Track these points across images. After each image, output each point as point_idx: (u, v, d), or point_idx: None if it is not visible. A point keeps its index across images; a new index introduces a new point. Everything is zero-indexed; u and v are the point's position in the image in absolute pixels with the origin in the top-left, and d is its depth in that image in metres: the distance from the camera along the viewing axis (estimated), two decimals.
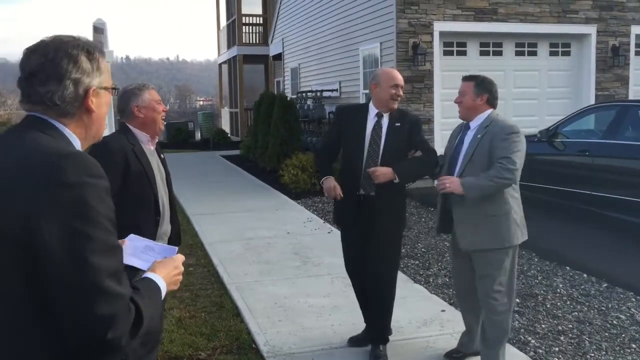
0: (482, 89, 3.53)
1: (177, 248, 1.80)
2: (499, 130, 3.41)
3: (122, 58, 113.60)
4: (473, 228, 3.46)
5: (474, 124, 3.56)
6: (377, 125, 3.72)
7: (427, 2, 9.63)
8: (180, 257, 1.71)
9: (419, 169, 3.82)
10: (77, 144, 1.53)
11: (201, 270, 5.86)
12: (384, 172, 3.60)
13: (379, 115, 3.74)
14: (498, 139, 3.38)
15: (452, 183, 3.33)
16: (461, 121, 3.69)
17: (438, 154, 3.88)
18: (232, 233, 7.27)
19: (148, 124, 2.97)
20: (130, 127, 2.96)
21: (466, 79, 3.64)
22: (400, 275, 5.55)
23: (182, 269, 1.68)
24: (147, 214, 2.88)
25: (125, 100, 2.97)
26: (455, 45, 10.12)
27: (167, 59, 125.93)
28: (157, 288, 1.55)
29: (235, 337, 4.24)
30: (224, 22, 24.89)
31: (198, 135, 23.30)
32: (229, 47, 23.09)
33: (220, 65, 26.48)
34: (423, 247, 6.58)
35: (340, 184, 3.78)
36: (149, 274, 1.58)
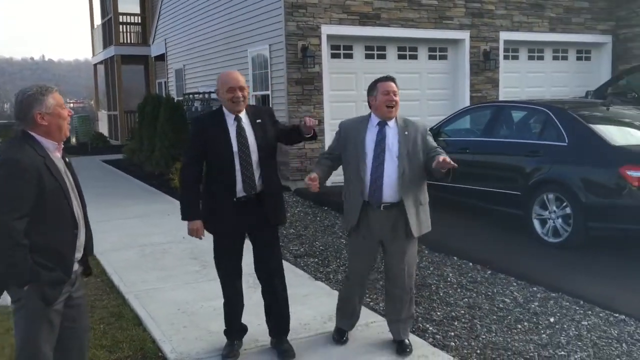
0: None
1: None
2: (422, 128, 3.91)
3: None
4: (417, 216, 3.85)
5: (392, 122, 3.86)
6: (239, 128, 3.75)
7: (315, 6, 9.82)
8: None
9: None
10: None
11: (94, 280, 5.57)
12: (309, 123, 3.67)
13: (237, 119, 3.76)
14: (425, 135, 3.87)
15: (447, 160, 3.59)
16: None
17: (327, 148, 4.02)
18: (124, 240, 6.98)
19: (53, 132, 2.71)
20: (34, 135, 2.68)
21: (391, 79, 3.90)
22: (301, 273, 5.67)
23: None
24: (65, 229, 2.71)
25: (26, 107, 2.67)
26: (342, 48, 10.40)
27: (32, 58, 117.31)
28: None
29: (140, 347, 4.10)
30: (98, 21, 23.73)
31: (73, 140, 22.03)
32: (105, 46, 22.07)
33: (95, 65, 25.23)
34: (321, 245, 6.71)
35: (212, 192, 3.78)
36: None
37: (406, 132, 3.81)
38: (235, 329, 4.01)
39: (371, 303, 4.89)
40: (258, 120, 3.81)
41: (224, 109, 3.79)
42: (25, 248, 2.57)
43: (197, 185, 3.79)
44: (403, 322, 4.01)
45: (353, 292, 4.10)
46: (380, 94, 3.83)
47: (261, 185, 3.78)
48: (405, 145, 3.77)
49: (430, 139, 3.90)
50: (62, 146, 2.82)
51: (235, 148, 3.70)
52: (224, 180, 3.72)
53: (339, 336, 4.11)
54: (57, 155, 2.75)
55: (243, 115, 3.78)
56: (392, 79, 3.90)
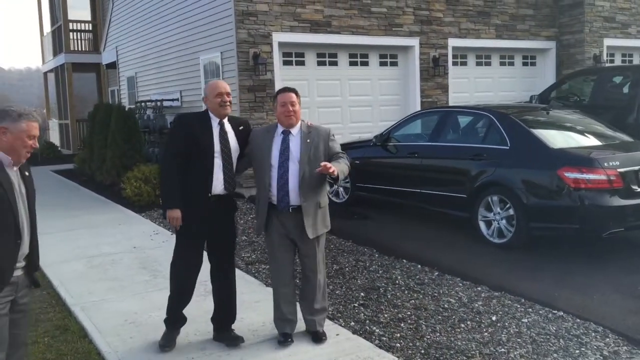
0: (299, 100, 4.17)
1: None
2: (324, 134, 4.16)
3: None
4: (314, 219, 4.11)
5: (295, 130, 4.13)
6: (222, 131, 4.10)
7: (265, 14, 9.87)
8: None
9: None
10: None
11: (39, 293, 5.46)
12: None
13: (221, 123, 4.10)
14: (327, 140, 4.15)
15: (332, 167, 3.89)
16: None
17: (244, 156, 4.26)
18: (73, 252, 6.86)
19: (10, 152, 2.85)
20: None
21: (289, 90, 4.15)
22: (252, 280, 5.70)
23: None
24: (7, 238, 2.81)
25: None
26: (294, 55, 10.48)
27: None
28: None
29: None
30: (48, 28, 23.22)
31: None
32: (55, 54, 21.60)
33: (45, 73, 24.64)
34: None
35: (189, 188, 4.02)
36: None
37: (308, 140, 4.09)
38: (177, 317, 4.19)
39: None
40: (240, 127, 4.20)
41: (209, 112, 4.11)
42: None
43: (177, 177, 4.01)
44: (316, 314, 4.28)
45: (281, 296, 4.27)
46: (278, 105, 4.12)
47: (231, 187, 4.14)
48: (306, 152, 4.06)
49: (334, 144, 4.19)
50: (20, 164, 2.94)
51: (217, 148, 4.02)
52: (203, 177, 4.00)
53: (284, 338, 4.23)
54: (12, 170, 2.88)
55: (225, 120, 4.13)
56: (291, 90, 4.15)
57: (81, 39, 20.76)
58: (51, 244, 7.23)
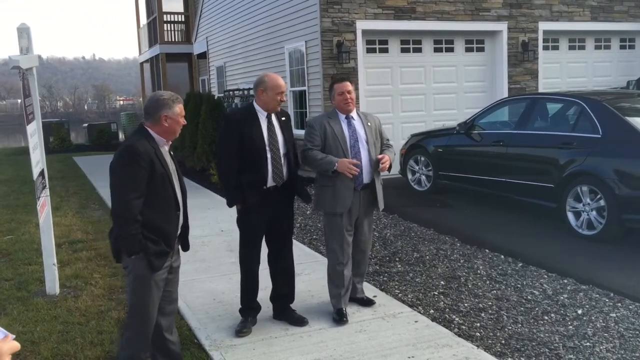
0: None
1: (11, 336, 1.46)
2: (377, 121, 4.53)
3: None
4: (381, 193, 4.51)
5: (354, 115, 4.41)
6: (270, 124, 4.19)
7: (349, 2, 9.92)
8: (12, 345, 1.41)
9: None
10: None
11: None
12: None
13: (268, 117, 4.20)
14: (380, 127, 4.53)
15: (388, 161, 4.35)
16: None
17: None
18: None
19: (168, 133, 3.23)
20: (151, 131, 3.20)
21: (345, 79, 4.41)
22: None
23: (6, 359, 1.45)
24: (170, 210, 3.22)
25: (158, 107, 3.20)
26: (377, 43, 10.48)
27: (83, 57, 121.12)
28: None
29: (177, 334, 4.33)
30: (144, 20, 24.41)
31: (122, 137, 22.76)
32: (150, 45, 22.68)
33: (142, 64, 25.92)
34: None
35: (247, 181, 4.14)
36: None
37: (369, 123, 4.43)
38: (251, 307, 4.37)
39: (400, 294, 5.01)
40: (283, 118, 4.31)
41: (255, 106, 4.19)
42: (138, 223, 3.07)
43: (236, 175, 4.18)
44: (363, 280, 4.74)
45: (345, 272, 4.44)
46: (336, 94, 4.35)
47: (287, 175, 4.25)
48: (370, 134, 4.39)
49: (384, 132, 4.58)
50: (170, 143, 3.32)
51: (266, 140, 4.14)
52: (258, 170, 4.12)
53: (340, 317, 4.39)
54: (165, 149, 3.26)
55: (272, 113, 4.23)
56: (347, 79, 4.42)
57: (174, 30, 21.68)
58: None
